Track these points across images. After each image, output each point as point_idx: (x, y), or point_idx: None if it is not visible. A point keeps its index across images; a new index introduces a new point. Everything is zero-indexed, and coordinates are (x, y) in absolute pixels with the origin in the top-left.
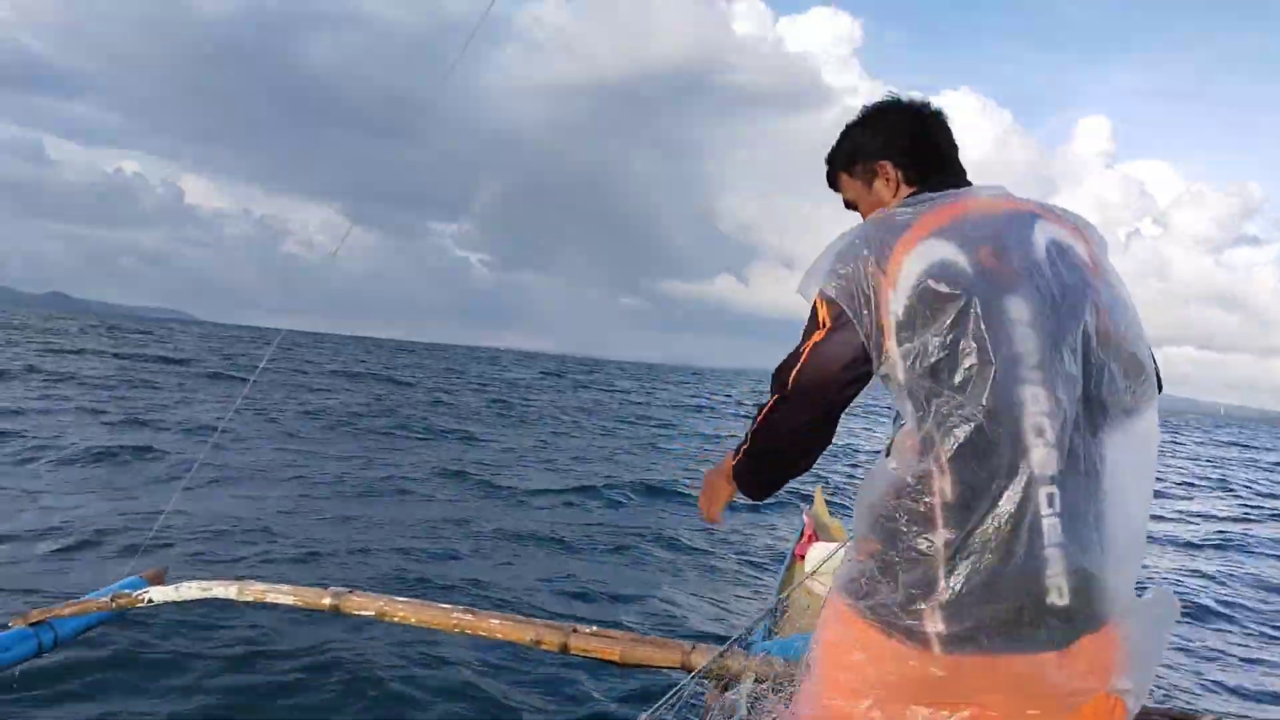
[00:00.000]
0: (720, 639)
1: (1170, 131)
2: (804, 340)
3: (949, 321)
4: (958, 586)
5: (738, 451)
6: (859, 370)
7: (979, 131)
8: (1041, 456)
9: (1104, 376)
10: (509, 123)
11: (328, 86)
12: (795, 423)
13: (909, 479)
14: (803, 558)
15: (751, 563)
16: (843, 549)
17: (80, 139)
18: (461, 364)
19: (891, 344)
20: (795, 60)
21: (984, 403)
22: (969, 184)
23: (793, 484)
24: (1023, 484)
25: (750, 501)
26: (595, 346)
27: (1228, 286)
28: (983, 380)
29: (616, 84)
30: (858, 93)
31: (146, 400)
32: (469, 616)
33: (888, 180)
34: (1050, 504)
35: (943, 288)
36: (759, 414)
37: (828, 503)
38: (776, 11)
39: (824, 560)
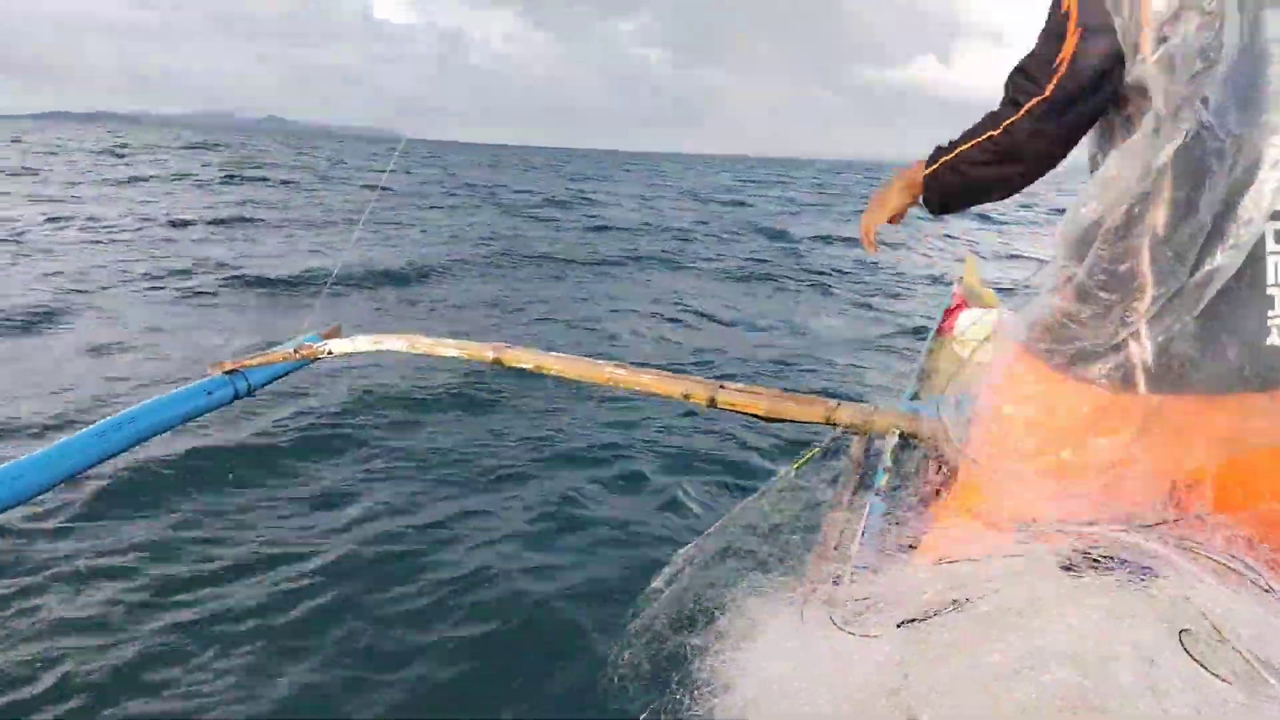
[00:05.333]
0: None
1: None
2: (1049, 41)
3: (1209, 33)
4: (1171, 324)
5: (936, 160)
6: (1114, 80)
7: None
8: (1273, 190)
9: None
10: None
11: None
12: (1046, 130)
13: (1123, 208)
14: (949, 327)
15: (899, 331)
16: (996, 312)
17: None
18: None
19: (1148, 49)
20: None
21: (1231, 129)
22: None
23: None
24: (1252, 217)
25: (930, 216)
26: (788, 146)
27: None
28: (1233, 107)
29: None
30: None
31: None
32: (621, 371)
33: None
34: (1277, 241)
35: None
36: (995, 120)
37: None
38: None
39: (974, 324)
